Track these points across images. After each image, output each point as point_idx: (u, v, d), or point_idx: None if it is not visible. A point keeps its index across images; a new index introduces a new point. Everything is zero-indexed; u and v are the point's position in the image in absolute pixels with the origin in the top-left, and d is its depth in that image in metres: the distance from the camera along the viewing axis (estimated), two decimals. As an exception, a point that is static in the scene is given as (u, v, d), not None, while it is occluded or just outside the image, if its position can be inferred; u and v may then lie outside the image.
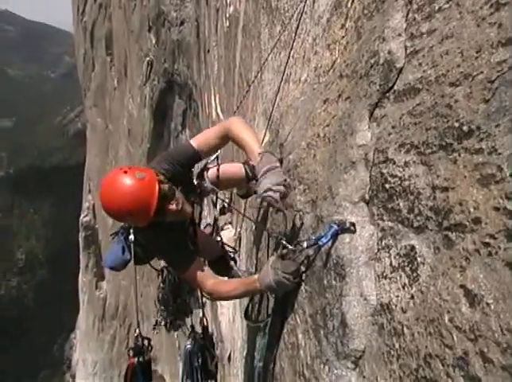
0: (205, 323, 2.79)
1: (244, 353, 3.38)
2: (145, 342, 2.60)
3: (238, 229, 5.69)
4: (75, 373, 38.00)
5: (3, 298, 49.14)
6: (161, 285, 2.59)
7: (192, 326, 2.76)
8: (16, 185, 57.80)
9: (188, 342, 2.72)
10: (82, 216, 33.23)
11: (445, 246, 0.87)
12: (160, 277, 2.61)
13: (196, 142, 2.10)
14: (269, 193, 1.63)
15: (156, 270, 2.59)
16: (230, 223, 7.93)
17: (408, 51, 1.32)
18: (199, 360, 2.67)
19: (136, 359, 2.54)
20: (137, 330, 2.58)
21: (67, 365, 40.71)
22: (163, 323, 2.64)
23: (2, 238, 53.72)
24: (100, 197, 1.82)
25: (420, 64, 1.22)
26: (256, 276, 1.74)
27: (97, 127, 28.99)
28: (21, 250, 53.92)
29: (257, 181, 1.77)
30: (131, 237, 2.18)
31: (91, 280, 32.02)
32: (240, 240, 5.03)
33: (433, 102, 1.07)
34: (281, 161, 2.18)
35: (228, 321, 6.76)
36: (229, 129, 2.02)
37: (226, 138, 2.07)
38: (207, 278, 1.99)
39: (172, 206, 1.88)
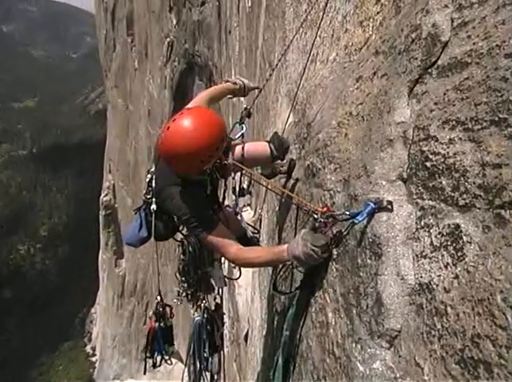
0: (218, 301, 2.80)
1: (263, 332, 3.42)
2: (167, 309, 2.65)
3: (259, 211, 5.70)
4: (95, 346, 39.61)
5: (28, 273, 51.14)
6: (181, 256, 2.55)
7: (204, 299, 2.76)
8: (39, 164, 59.28)
9: (197, 314, 2.72)
10: (102, 195, 33.95)
11: (497, 224, 0.84)
12: (180, 248, 2.57)
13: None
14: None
15: (176, 240, 2.56)
16: (249, 205, 7.96)
17: (455, 23, 1.25)
18: (207, 333, 2.68)
19: (157, 324, 2.61)
20: (159, 297, 2.63)
21: (88, 338, 42.42)
22: (184, 294, 2.64)
23: (27, 215, 55.53)
24: (181, 143, 1.84)
25: (469, 37, 1.15)
26: (285, 246, 1.74)
27: (117, 108, 29.26)
28: (44, 227, 55.66)
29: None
30: (153, 207, 2.17)
31: (111, 258, 32.92)
32: (261, 222, 5.04)
33: (484, 76, 1.02)
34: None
35: (245, 301, 6.85)
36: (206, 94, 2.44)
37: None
38: (231, 244, 1.95)
39: (228, 159, 2.03)
